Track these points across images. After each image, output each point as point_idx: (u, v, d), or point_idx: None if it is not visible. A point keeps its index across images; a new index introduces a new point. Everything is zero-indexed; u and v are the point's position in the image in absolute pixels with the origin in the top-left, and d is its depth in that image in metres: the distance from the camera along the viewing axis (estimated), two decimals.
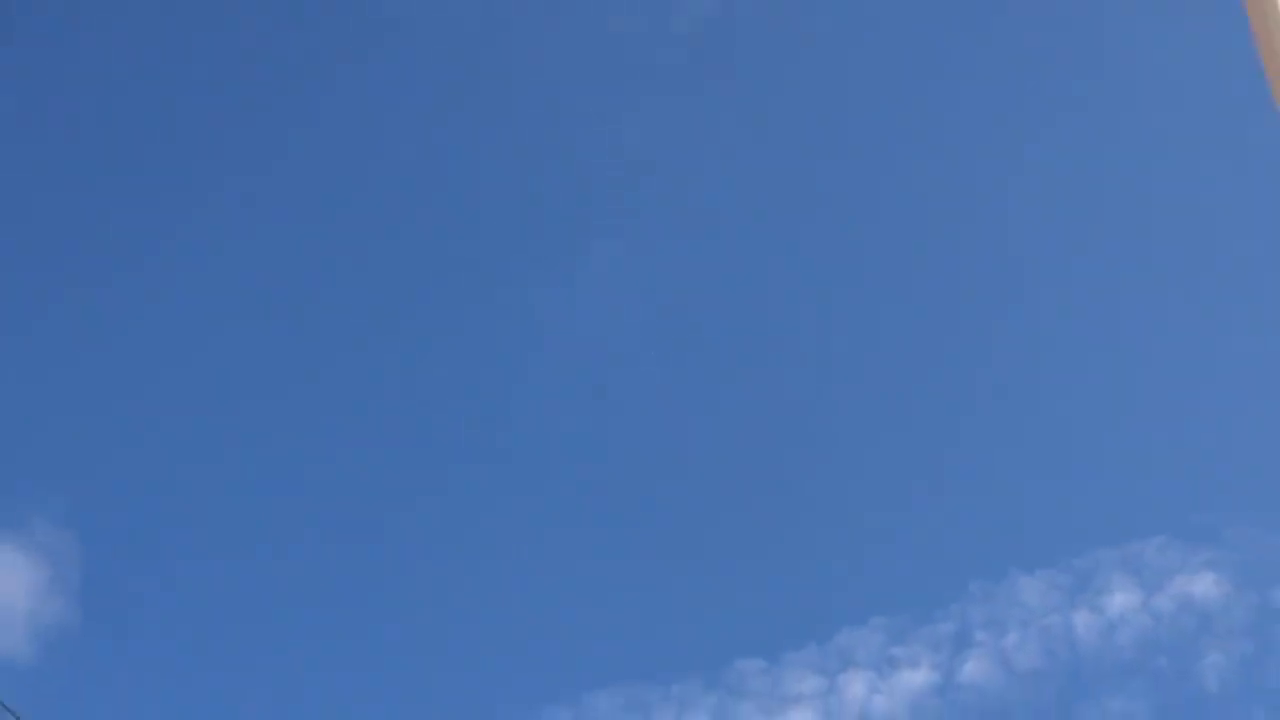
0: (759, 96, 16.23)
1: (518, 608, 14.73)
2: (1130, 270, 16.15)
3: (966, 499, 15.13)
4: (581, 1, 16.73)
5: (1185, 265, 15.97)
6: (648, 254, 16.64)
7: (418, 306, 17.48)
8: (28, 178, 17.33)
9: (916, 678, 13.07)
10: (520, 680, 14.55)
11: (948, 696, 12.96)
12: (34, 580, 13.35)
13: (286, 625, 15.44)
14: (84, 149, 17.97)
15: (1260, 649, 13.13)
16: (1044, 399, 15.68)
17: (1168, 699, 13.24)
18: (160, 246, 17.24)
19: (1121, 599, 13.24)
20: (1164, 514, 14.03)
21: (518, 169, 16.98)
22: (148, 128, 18.15)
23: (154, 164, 18.16)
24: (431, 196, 17.72)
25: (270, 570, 15.64)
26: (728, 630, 14.45)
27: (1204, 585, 13.28)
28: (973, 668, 13.20)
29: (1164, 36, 15.69)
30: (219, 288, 17.21)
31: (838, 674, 13.15)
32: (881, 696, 12.94)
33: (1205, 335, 15.82)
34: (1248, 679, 13.21)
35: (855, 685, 13.01)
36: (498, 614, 14.90)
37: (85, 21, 18.30)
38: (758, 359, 16.82)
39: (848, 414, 15.97)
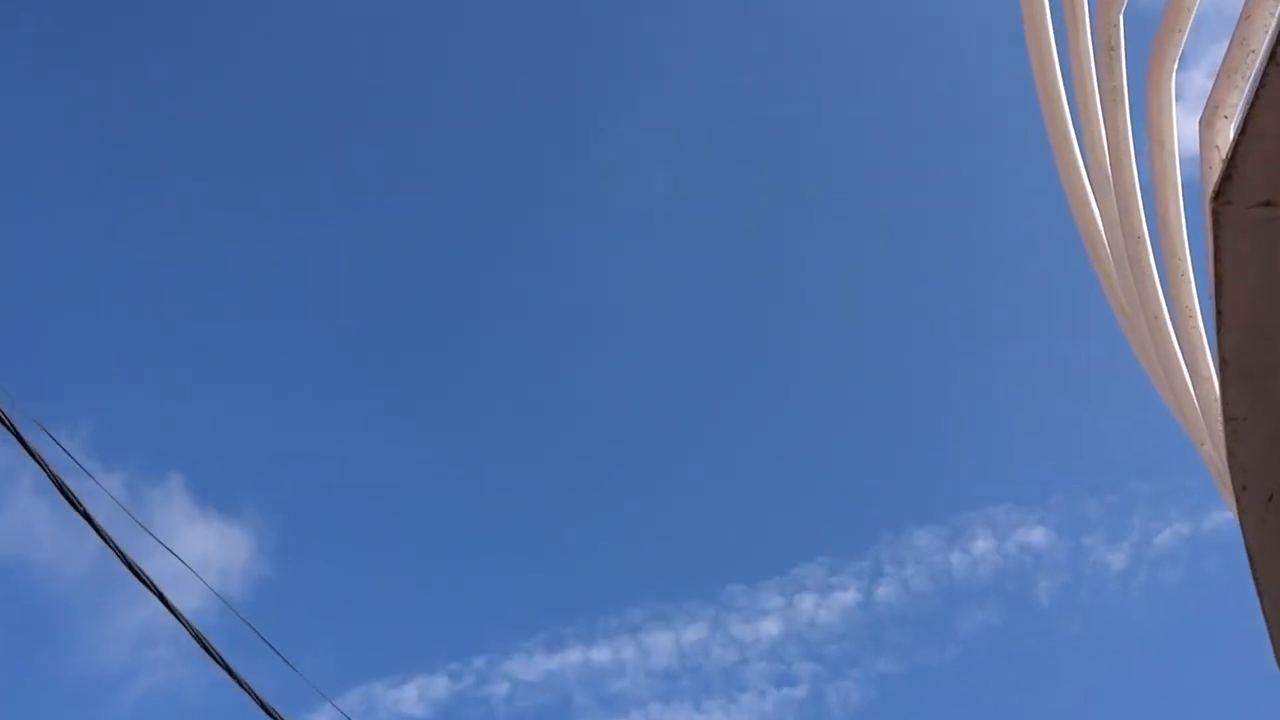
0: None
1: (578, 545, 21.93)
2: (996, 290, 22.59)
3: (880, 474, 22.73)
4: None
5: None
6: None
7: None
8: None
9: (846, 597, 19.73)
10: (577, 598, 21.68)
11: (867, 610, 19.78)
12: (245, 548, 19.24)
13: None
14: None
15: (1074, 578, 19.79)
16: (934, 405, 22.75)
17: (1013, 612, 19.96)
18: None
19: (982, 544, 19.63)
20: (1010, 487, 21.26)
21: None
22: None
23: None
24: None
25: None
26: (720, 565, 22.12)
27: (1037, 535, 19.65)
28: (883, 590, 19.74)
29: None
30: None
31: (794, 595, 19.78)
32: (823, 610, 19.70)
33: (1034, 350, 22.51)
34: (1067, 599, 19.91)
35: (805, 603, 19.69)
36: (565, 547, 21.99)
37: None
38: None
39: (804, 412, 23.04)
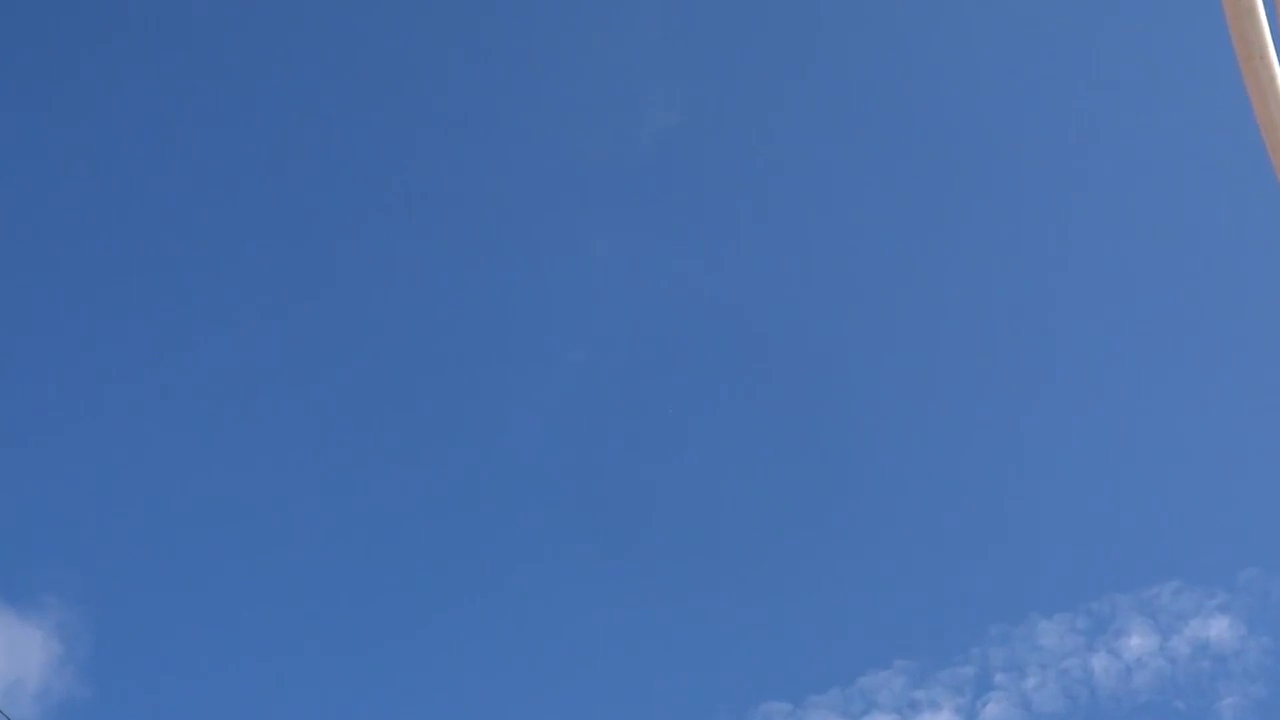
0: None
1: (568, 665, 15.90)
2: (1139, 333, 17.04)
3: (986, 543, 15.64)
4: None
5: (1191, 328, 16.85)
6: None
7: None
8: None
9: None
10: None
11: None
12: (46, 655, 13.69)
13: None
14: None
15: (1276, 691, 13.44)
16: (1058, 445, 15.90)
17: None
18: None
19: (1138, 642, 13.75)
20: (1177, 558, 14.30)
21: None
22: None
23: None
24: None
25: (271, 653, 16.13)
26: (753, 674, 15.35)
27: (1218, 628, 13.62)
28: (993, 710, 13.99)
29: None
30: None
31: (860, 717, 14.12)
32: None
33: (1209, 390, 16.11)
34: (1263, 718, 13.29)
35: None
36: (553, 665, 15.88)
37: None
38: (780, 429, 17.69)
39: (868, 462, 16.53)
